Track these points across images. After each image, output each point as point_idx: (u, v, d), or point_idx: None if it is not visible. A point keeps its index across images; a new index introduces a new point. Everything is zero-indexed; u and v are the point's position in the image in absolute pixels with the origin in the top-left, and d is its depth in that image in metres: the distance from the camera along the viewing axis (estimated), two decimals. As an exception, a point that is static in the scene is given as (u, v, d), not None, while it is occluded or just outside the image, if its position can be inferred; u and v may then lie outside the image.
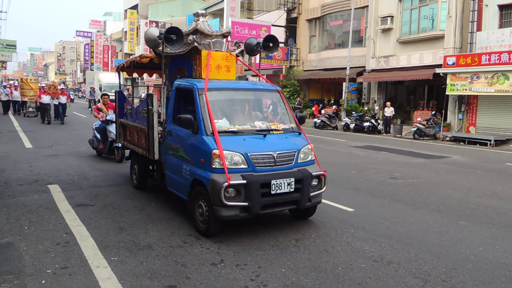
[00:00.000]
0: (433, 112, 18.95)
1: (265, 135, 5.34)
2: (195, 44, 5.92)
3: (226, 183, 4.66)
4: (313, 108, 24.67)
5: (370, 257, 4.62)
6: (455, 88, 18.05)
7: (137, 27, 47.93)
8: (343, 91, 23.55)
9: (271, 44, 6.49)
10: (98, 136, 10.56)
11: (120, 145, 9.07)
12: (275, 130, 5.55)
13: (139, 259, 4.38)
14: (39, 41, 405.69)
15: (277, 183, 4.89)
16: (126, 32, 52.45)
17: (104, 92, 12.87)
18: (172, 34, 5.73)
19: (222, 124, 5.28)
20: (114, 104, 10.49)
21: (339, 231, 5.45)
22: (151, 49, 6.56)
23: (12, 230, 5.16)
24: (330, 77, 24.81)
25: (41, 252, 4.49)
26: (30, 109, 23.24)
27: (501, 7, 17.17)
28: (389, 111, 20.65)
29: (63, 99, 19.79)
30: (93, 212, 5.97)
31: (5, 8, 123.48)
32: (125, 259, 4.38)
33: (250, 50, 6.57)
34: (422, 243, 5.11)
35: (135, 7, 52.49)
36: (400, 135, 19.40)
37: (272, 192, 4.88)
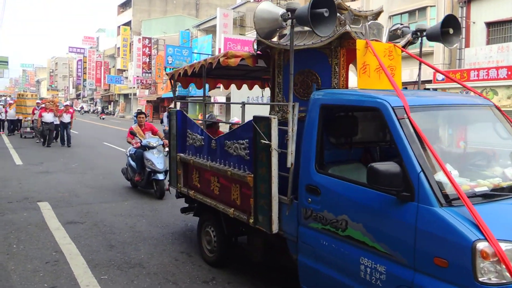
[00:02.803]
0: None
1: None
2: (347, 27, 3.47)
3: None
4: None
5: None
6: (445, 103, 18.28)
7: (130, 43, 48.19)
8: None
9: (451, 31, 3.95)
10: (134, 164, 8.49)
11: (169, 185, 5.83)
12: None
13: (130, 277, 4.33)
14: (31, 57, 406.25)
15: None
16: (119, 48, 52.69)
17: (140, 110, 10.81)
18: (320, 8, 3.15)
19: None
20: (151, 124, 9.25)
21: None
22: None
23: (0, 248, 5.08)
24: (322, 93, 24.99)
25: (29, 271, 4.41)
26: (28, 129, 20.03)
27: (488, 24, 17.55)
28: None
29: (66, 118, 16.98)
30: (84, 230, 5.90)
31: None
32: (115, 278, 4.32)
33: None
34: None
35: (128, 23, 52.91)
36: (392, 150, 19.50)
37: None
